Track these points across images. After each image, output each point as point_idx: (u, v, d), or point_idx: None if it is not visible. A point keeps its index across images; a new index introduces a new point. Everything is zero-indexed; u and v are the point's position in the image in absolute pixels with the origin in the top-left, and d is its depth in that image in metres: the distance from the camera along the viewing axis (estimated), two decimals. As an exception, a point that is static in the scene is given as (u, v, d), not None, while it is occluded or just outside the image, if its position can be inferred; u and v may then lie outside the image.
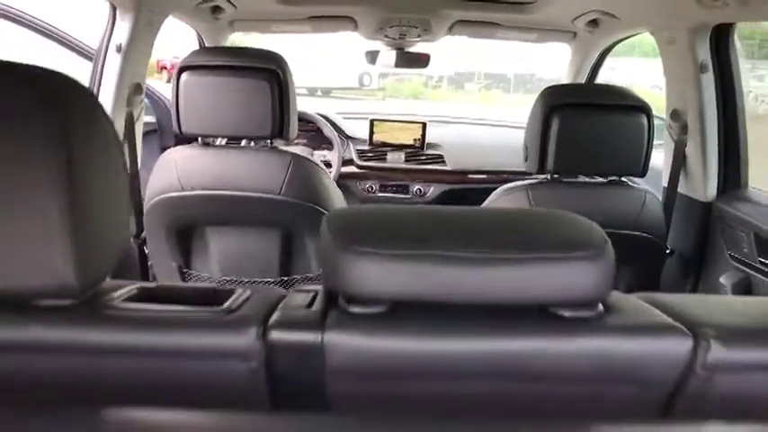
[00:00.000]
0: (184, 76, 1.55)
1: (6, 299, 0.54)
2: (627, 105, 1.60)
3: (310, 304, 0.61)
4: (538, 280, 0.56)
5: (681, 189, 1.95)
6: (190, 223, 1.72)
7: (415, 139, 2.78)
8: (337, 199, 1.78)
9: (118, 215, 0.60)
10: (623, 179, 1.71)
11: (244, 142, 1.74)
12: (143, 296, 0.61)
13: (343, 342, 0.56)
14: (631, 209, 1.67)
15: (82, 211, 0.53)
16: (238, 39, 2.62)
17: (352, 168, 2.78)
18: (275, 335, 0.57)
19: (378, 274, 0.55)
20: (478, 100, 13.71)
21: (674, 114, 1.92)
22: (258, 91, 1.57)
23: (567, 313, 0.58)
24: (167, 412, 0.48)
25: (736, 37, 1.78)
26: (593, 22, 2.21)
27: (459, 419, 0.47)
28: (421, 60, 2.69)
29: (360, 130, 2.83)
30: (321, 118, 2.76)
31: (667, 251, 1.81)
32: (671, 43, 1.83)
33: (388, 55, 2.66)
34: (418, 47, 2.70)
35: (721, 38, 1.76)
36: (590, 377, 0.57)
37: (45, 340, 0.54)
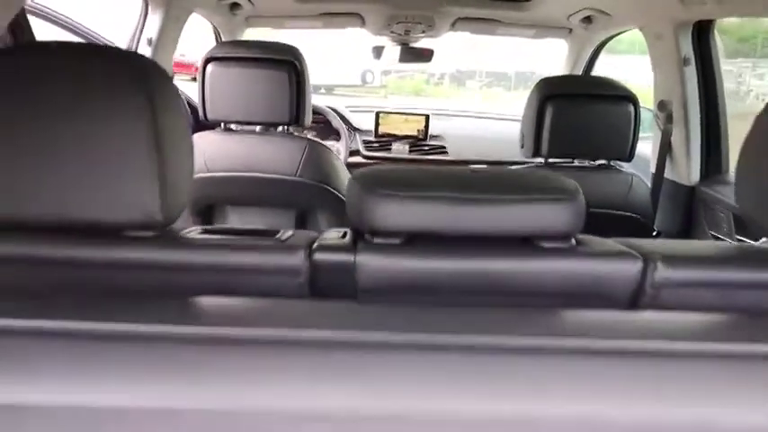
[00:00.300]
0: (210, 66, 1.70)
1: (105, 229, 0.68)
2: (615, 95, 1.75)
3: (342, 237, 0.76)
4: (523, 217, 0.70)
5: (667, 174, 2.09)
6: (213, 202, 1.86)
7: (418, 131, 2.92)
8: (347, 181, 1.92)
9: (187, 169, 0.75)
10: (612, 163, 1.85)
11: (259, 128, 1.88)
12: (207, 233, 0.76)
13: (370, 263, 0.70)
14: (619, 191, 1.81)
15: (164, 163, 0.67)
16: (246, 35, 2.76)
17: (358, 158, 2.92)
18: (318, 256, 0.71)
19: (396, 212, 0.70)
20: (480, 97, 13.81)
21: (661, 105, 2.06)
22: (277, 81, 1.72)
23: (545, 244, 0.72)
24: (227, 299, 0.63)
25: (716, 32, 1.93)
26: (587, 19, 2.35)
27: (461, 315, 0.61)
28: (424, 55, 2.84)
29: (366, 122, 2.98)
30: (330, 110, 2.91)
31: (654, 231, 1.95)
32: (657, 39, 1.98)
33: (393, 50, 2.80)
34: (422, 42, 2.84)
35: (702, 33, 1.90)
36: (563, 293, 0.71)
37: (134, 260, 0.69)
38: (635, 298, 0.72)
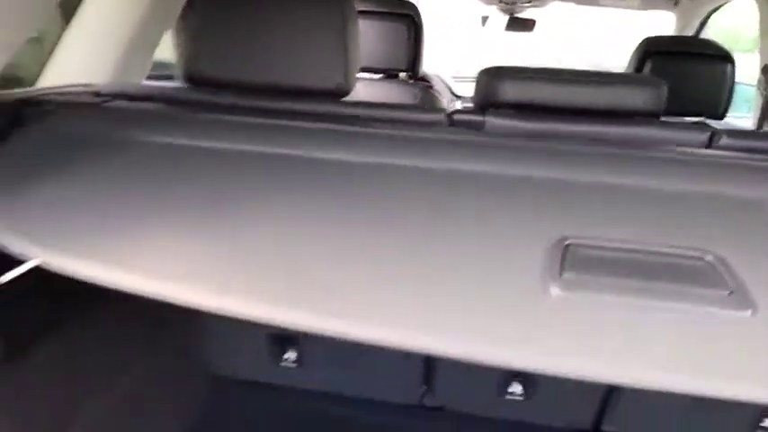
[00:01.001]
0: None
1: (306, 92, 0.94)
2: (712, 54, 1.84)
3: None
4: (618, 96, 0.89)
5: (767, 138, 2.13)
6: None
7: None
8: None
9: (359, 56, 1.00)
10: (705, 121, 1.94)
11: (378, 75, 2.11)
12: None
13: (495, 121, 0.91)
14: None
15: (347, 48, 0.93)
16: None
17: (456, 125, 3.12)
18: (456, 116, 0.93)
19: (512, 88, 0.92)
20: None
21: (765, 69, 2.10)
22: (397, 32, 1.96)
23: (634, 117, 0.91)
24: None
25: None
26: (695, -11, 2.41)
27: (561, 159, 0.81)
28: (528, 25, 2.99)
29: (467, 91, 3.16)
30: (434, 76, 3.12)
31: None
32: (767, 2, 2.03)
33: (500, 19, 2.98)
34: (526, 13, 2.99)
35: (812, -6, 1.94)
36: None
37: (322, 113, 0.94)
38: None
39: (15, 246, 0.62)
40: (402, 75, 2.08)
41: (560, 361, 0.50)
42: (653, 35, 2.19)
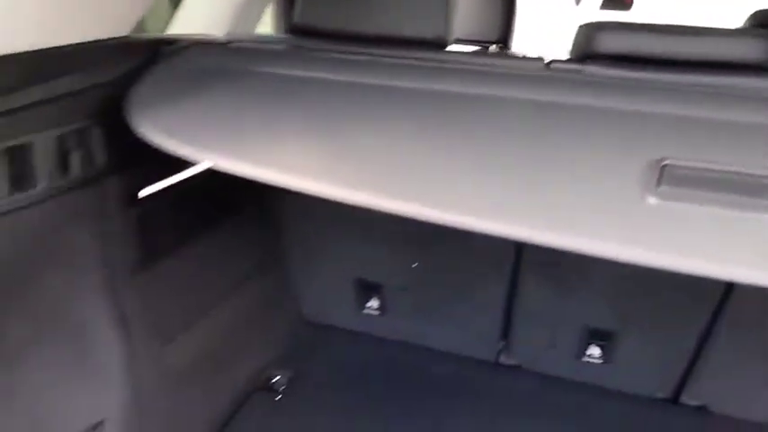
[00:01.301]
0: None
1: (412, 42, 1.01)
2: None
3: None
4: (720, 46, 0.89)
5: None
6: None
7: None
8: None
9: (455, 10, 1.05)
10: None
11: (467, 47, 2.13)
12: None
13: (592, 69, 0.92)
14: None
15: (449, 1, 0.98)
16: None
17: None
18: (555, 65, 0.96)
19: (610, 39, 0.93)
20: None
21: None
22: (493, 3, 1.97)
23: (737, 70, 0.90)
24: None
25: None
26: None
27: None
28: (625, 3, 2.89)
29: None
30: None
31: None
32: None
33: (595, -2, 2.90)
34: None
35: None
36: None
37: (426, 59, 0.99)
38: None
39: (178, 148, 0.76)
40: (492, 47, 2.09)
41: (651, 254, 0.54)
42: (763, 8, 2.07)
